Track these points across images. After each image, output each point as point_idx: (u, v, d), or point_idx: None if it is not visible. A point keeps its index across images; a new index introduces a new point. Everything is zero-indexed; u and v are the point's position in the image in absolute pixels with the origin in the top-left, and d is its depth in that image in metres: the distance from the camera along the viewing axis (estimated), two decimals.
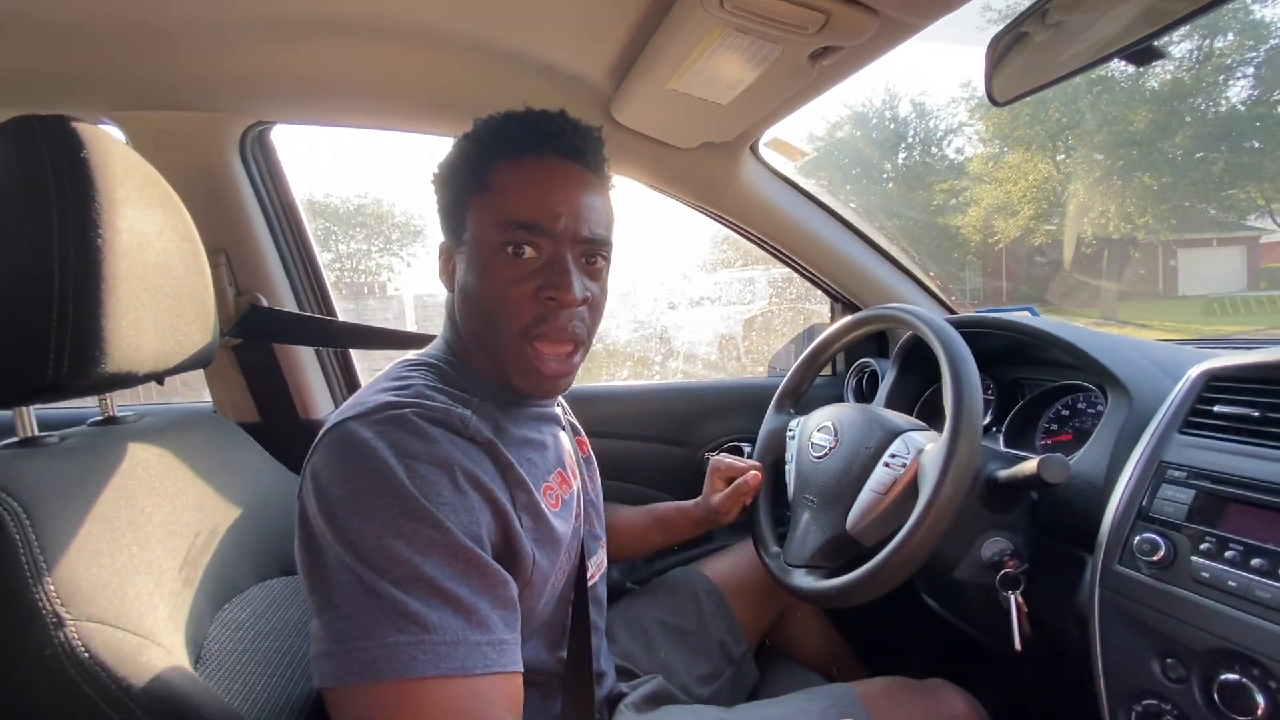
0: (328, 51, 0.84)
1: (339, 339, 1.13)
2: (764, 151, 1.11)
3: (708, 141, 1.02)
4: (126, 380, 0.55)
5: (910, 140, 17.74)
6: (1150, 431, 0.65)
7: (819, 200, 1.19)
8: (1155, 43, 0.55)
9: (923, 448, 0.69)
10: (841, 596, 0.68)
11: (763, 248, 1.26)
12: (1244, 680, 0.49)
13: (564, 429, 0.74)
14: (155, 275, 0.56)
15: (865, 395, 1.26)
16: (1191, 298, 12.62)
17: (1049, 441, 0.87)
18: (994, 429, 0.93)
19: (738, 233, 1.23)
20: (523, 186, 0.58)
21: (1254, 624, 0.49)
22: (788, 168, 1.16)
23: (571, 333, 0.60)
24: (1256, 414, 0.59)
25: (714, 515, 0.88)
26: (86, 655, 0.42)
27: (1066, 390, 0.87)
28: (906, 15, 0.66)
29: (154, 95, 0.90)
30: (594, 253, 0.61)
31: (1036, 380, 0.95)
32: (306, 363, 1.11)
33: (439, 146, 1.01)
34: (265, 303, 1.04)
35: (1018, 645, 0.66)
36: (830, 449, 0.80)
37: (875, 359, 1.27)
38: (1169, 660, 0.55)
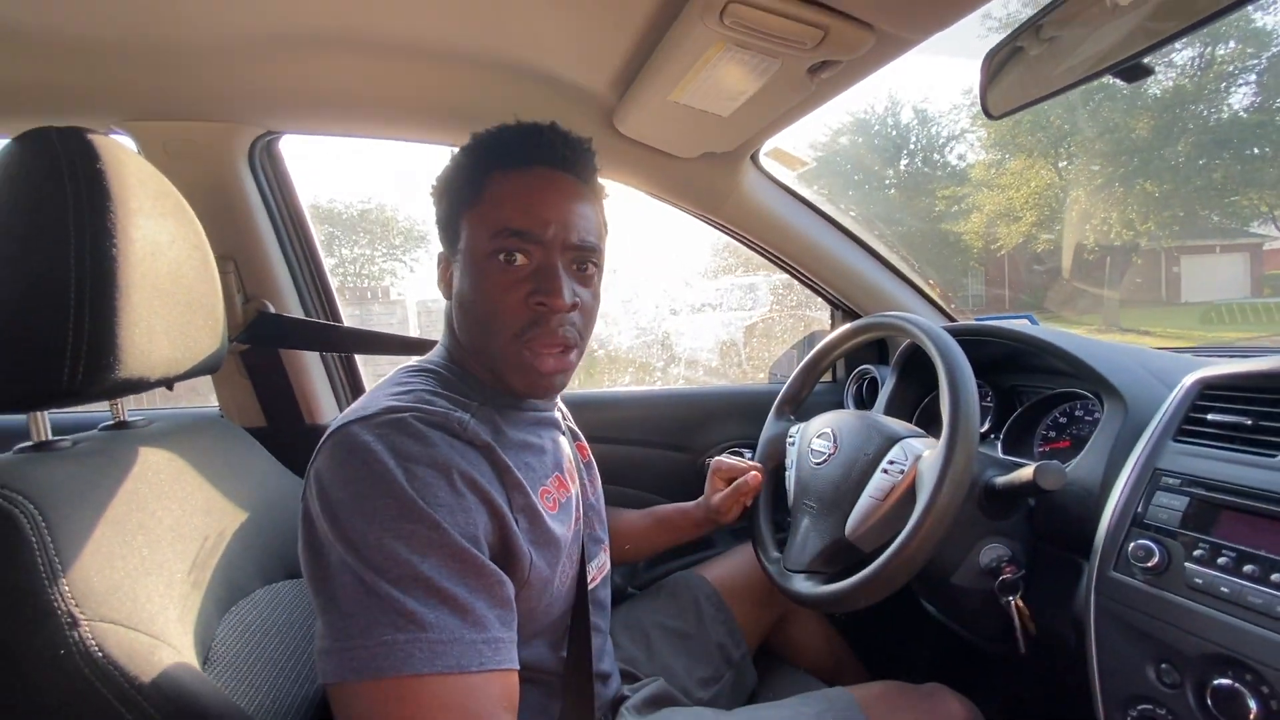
0: (336, 64, 0.86)
1: (344, 344, 1.14)
2: (764, 161, 1.12)
3: (709, 151, 1.04)
4: (139, 386, 0.56)
5: (913, 147, 17.79)
6: (1145, 439, 0.66)
7: (819, 209, 1.20)
8: (1144, 60, 0.56)
9: (920, 454, 0.70)
10: (840, 601, 0.69)
11: (763, 255, 1.27)
12: (1236, 685, 0.49)
13: (563, 433, 0.75)
14: (167, 283, 0.57)
15: (866, 401, 1.27)
16: (1195, 304, 12.59)
17: (1047, 449, 0.87)
18: (993, 436, 0.93)
19: (739, 240, 1.25)
20: (514, 196, 0.60)
21: (1246, 630, 0.50)
22: (788, 176, 1.17)
23: (562, 337, 0.61)
24: (1249, 422, 0.59)
25: (714, 515, 0.89)
26: (100, 655, 0.42)
27: (1064, 398, 0.88)
28: (902, 31, 0.67)
29: (165, 106, 0.92)
30: (584, 260, 0.63)
31: (1035, 388, 0.96)
32: (312, 368, 1.13)
33: (443, 152, 1.03)
34: (272, 309, 1.05)
35: (1022, 648, 0.67)
36: (829, 455, 0.81)
37: (875, 366, 1.28)
38: (1163, 665, 0.55)
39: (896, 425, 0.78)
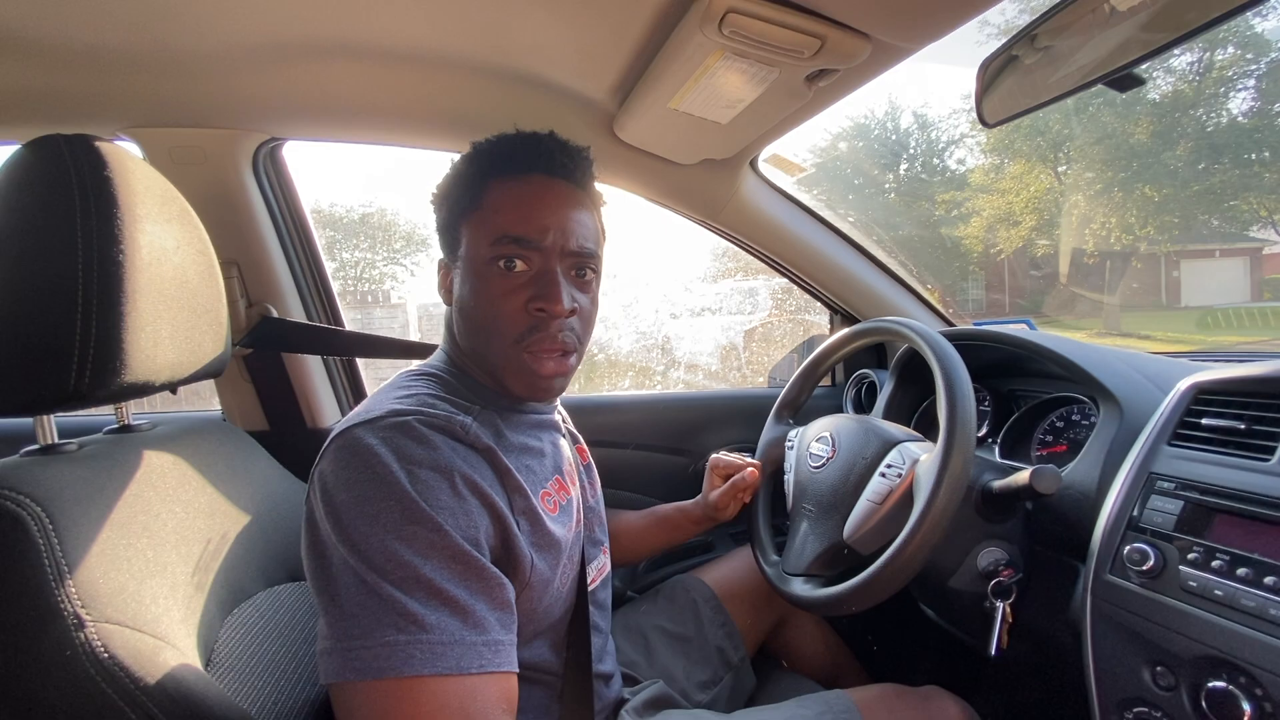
0: (339, 72, 0.86)
1: (346, 348, 1.15)
2: (763, 166, 1.13)
3: (708, 158, 1.05)
4: (144, 390, 0.57)
5: (912, 152, 17.81)
6: (1140, 443, 0.66)
7: (817, 214, 1.21)
8: (1137, 69, 0.57)
9: (918, 458, 0.71)
10: (838, 604, 0.69)
11: (763, 260, 1.28)
12: (1230, 688, 0.50)
13: (564, 436, 0.76)
14: (173, 288, 0.58)
15: (864, 406, 1.28)
16: (1194, 309, 12.59)
17: (1044, 453, 0.88)
18: (990, 440, 0.94)
19: (738, 246, 1.25)
20: (513, 203, 0.61)
21: (1239, 632, 0.50)
22: (787, 182, 1.18)
23: (561, 342, 0.62)
24: (1243, 426, 0.60)
25: (713, 512, 0.89)
26: (106, 656, 0.43)
27: (1061, 402, 0.88)
28: (898, 40, 0.68)
29: (171, 113, 0.92)
30: (582, 266, 0.64)
31: (1032, 392, 0.96)
32: (314, 372, 1.13)
33: (445, 156, 1.04)
34: (275, 313, 1.06)
35: (993, 650, 0.68)
36: (828, 459, 0.81)
37: (874, 370, 1.28)
38: (1159, 668, 0.56)
39: (894, 429, 0.79)
